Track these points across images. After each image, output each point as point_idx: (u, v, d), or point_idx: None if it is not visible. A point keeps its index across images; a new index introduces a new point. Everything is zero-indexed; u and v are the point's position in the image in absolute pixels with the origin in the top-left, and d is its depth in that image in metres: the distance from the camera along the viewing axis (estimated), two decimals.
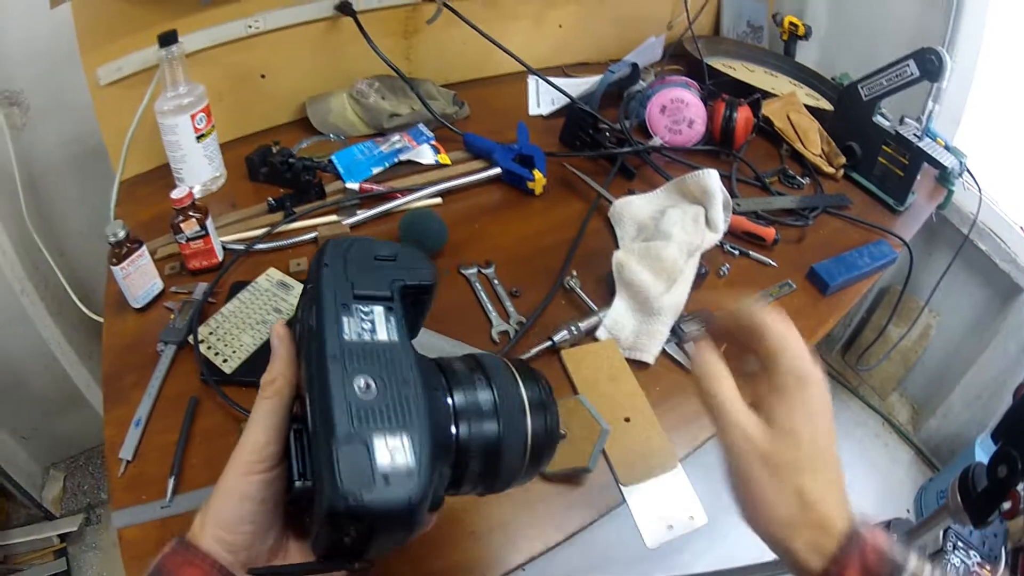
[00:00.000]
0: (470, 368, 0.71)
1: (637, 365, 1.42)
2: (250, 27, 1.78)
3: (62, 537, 2.38)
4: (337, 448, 0.55)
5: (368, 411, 0.58)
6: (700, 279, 1.59)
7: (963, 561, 1.98)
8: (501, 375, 0.71)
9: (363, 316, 0.65)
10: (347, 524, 0.56)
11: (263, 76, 1.90)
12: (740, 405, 0.75)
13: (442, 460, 0.64)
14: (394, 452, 0.56)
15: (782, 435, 0.71)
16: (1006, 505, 1.39)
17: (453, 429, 0.66)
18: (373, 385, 0.59)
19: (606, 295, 1.54)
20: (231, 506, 0.64)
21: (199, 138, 1.65)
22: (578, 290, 1.54)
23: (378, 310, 0.66)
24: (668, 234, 1.57)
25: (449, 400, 0.67)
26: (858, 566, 0.65)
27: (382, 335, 0.64)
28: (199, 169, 1.70)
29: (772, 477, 0.71)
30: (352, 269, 0.68)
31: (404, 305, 0.69)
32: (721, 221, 1.67)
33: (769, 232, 1.76)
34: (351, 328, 0.63)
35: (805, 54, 2.76)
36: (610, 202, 1.79)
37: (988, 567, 2.01)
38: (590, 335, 1.46)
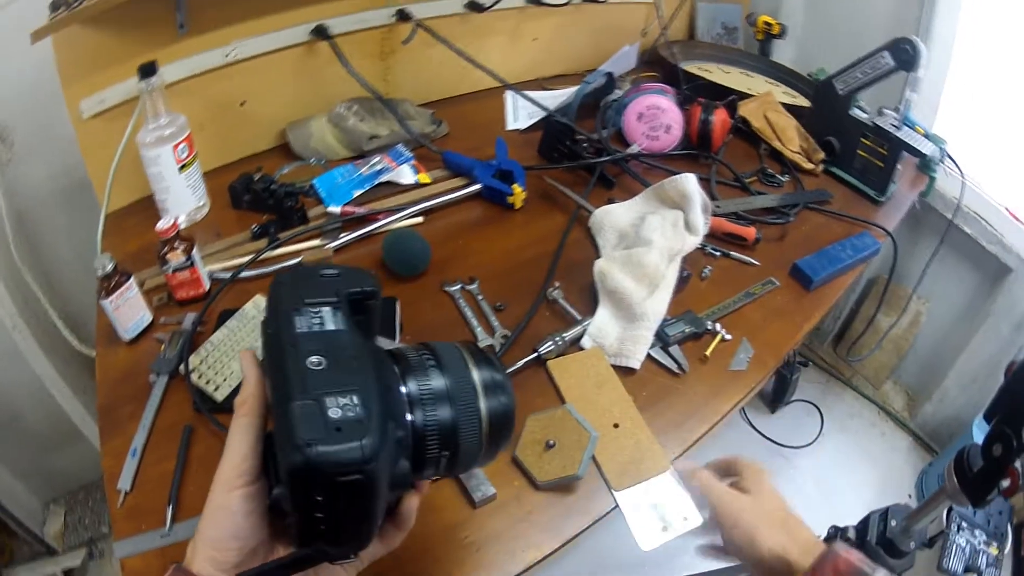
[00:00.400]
0: (421, 355, 0.74)
1: (623, 371, 1.44)
2: (227, 55, 1.79)
3: (66, 573, 2.39)
4: (291, 408, 0.59)
5: (319, 379, 0.62)
6: (683, 282, 1.61)
7: (968, 541, 1.98)
8: (452, 360, 0.74)
9: (312, 314, 0.69)
10: (310, 486, 0.58)
11: (243, 104, 1.91)
12: (727, 487, 1.14)
13: (394, 423, 0.66)
14: (344, 408, 0.60)
15: (758, 497, 1.10)
16: (1005, 483, 1.40)
17: (408, 416, 0.69)
18: (323, 361, 0.64)
19: (590, 304, 1.56)
20: (218, 524, 0.66)
21: (182, 168, 1.66)
22: (562, 301, 1.55)
23: (326, 310, 0.70)
24: (648, 240, 1.58)
25: (403, 388, 0.70)
26: (831, 571, 0.93)
27: (330, 326, 0.69)
28: (183, 199, 1.71)
29: (761, 519, 1.06)
30: (301, 285, 0.73)
31: (352, 311, 0.73)
32: (701, 224, 1.68)
33: (750, 232, 1.78)
34: (302, 323, 0.68)
35: (781, 53, 2.77)
36: (590, 212, 1.80)
37: (995, 544, 2.01)
38: (575, 344, 1.47)
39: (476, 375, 0.73)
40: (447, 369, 0.72)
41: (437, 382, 0.71)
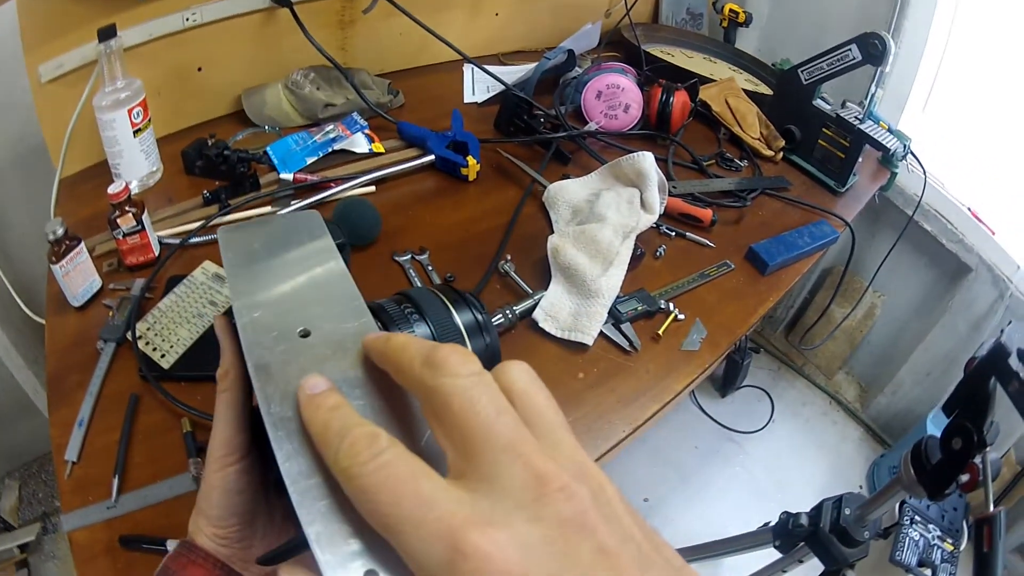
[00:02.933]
0: (400, 305, 0.72)
1: (574, 348, 1.43)
2: (187, 20, 1.77)
3: (21, 548, 2.36)
4: None
5: None
6: (636, 260, 1.61)
7: (922, 535, 1.99)
8: (432, 305, 0.72)
9: None
10: None
11: (200, 69, 1.88)
12: None
13: None
14: None
15: None
16: (964, 478, 1.41)
17: None
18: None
19: (542, 279, 1.55)
20: (215, 502, 0.65)
21: (136, 133, 1.64)
22: (513, 274, 1.55)
23: None
24: (603, 216, 1.58)
25: None
26: None
27: None
28: (136, 164, 1.69)
29: None
30: None
31: None
32: (657, 202, 1.68)
33: (706, 213, 1.78)
34: None
35: (746, 42, 2.79)
36: (545, 187, 1.80)
37: (949, 541, 2.02)
38: (525, 318, 1.46)
39: (458, 318, 0.72)
40: (429, 316, 0.71)
41: (421, 330, 0.70)
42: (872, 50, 1.85)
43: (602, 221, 1.57)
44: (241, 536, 0.66)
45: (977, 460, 1.39)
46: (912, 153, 2.17)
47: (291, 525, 0.70)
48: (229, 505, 0.65)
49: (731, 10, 2.67)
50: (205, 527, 0.65)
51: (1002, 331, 1.40)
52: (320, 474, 0.46)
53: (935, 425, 2.49)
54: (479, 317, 0.73)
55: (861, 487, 2.85)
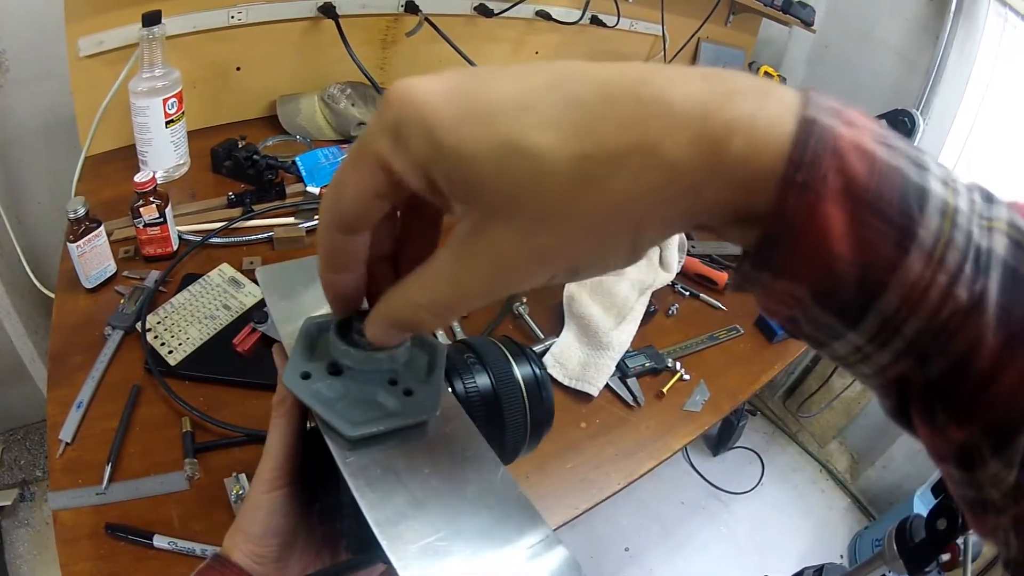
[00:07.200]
0: (462, 353, 0.72)
1: (579, 397, 1.44)
2: (233, 17, 1.77)
3: None
4: None
5: None
6: (648, 317, 1.61)
7: None
8: (494, 356, 0.72)
9: None
10: None
11: (238, 69, 1.89)
12: None
13: None
14: None
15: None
16: (945, 557, 1.41)
17: None
18: None
19: (554, 325, 1.55)
20: (258, 521, 0.67)
21: (168, 123, 1.65)
22: (527, 316, 1.55)
23: None
24: (621, 271, 1.58)
25: (450, 389, 0.68)
26: (838, 186, 0.33)
27: None
28: (164, 154, 1.69)
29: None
30: None
31: None
32: (675, 261, 1.69)
33: (721, 276, 1.79)
34: None
35: None
36: None
37: None
38: None
39: (518, 371, 0.72)
40: (491, 367, 0.71)
41: (483, 380, 0.70)
42: (901, 128, 1.86)
43: (620, 275, 1.57)
44: (278, 556, 0.67)
45: (959, 541, 1.40)
46: None
47: (329, 550, 0.72)
48: (272, 526, 0.66)
49: (766, 73, 2.67)
50: (243, 544, 0.67)
51: None
52: (406, 519, 0.49)
53: (922, 503, 2.49)
54: (537, 372, 0.73)
55: (842, 557, 2.84)
